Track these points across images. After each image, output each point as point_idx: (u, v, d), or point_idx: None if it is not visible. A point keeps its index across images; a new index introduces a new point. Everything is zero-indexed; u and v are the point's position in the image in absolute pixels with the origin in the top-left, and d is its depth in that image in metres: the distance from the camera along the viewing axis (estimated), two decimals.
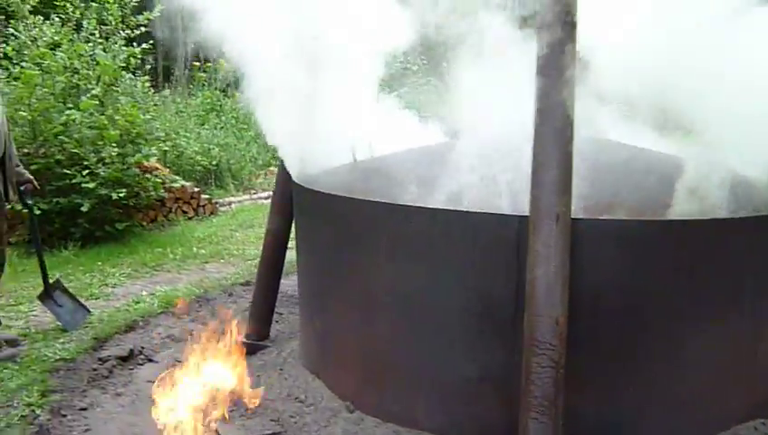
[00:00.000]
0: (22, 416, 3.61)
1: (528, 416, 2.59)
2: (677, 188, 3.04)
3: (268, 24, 3.91)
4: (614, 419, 2.92)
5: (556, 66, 2.71)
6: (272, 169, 13.60)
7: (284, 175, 4.49)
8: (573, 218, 2.70)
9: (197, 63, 13.98)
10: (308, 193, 3.64)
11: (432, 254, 3.02)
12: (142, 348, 4.63)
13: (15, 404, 3.75)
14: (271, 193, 12.32)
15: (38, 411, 3.66)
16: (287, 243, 4.69)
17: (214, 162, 11.37)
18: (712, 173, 3.06)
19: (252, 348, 4.60)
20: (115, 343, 4.71)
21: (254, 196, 11.54)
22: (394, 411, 3.18)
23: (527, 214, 2.80)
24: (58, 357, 4.35)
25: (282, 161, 4.48)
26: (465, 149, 3.66)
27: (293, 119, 3.94)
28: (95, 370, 4.27)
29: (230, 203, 10.65)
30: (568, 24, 2.71)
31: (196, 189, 9.31)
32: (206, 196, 9.62)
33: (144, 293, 5.86)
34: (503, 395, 2.96)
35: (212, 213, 9.42)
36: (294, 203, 4.10)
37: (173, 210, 8.92)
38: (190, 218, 9.05)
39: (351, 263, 3.32)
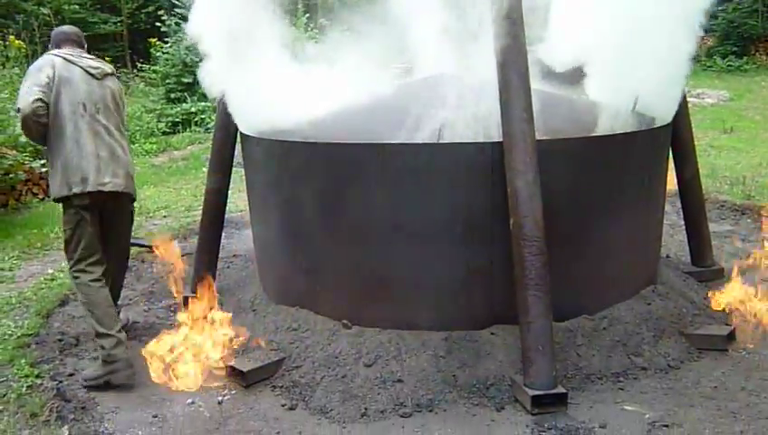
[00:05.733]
0: (28, 386, 3.69)
1: (527, 293, 3.33)
2: (595, 116, 3.93)
3: None
4: (569, 288, 3.75)
5: (515, 17, 3.44)
6: None
7: (223, 135, 4.79)
8: (537, 140, 3.46)
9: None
10: (290, 145, 4.01)
11: (421, 181, 3.62)
12: None
13: (11, 378, 3.80)
14: None
15: (39, 381, 3.76)
16: (227, 199, 5.00)
17: None
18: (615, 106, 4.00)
19: None
20: (60, 316, 4.75)
21: None
22: (393, 319, 3.77)
23: (497, 140, 3.52)
24: (21, 333, 4.35)
25: (220, 124, 4.75)
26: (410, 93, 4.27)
27: (247, 76, 4.24)
28: (61, 340, 4.35)
29: None
30: None
31: (44, 169, 8.85)
32: None
33: (51, 270, 5.79)
34: (485, 289, 3.70)
35: None
36: (253, 158, 4.41)
37: (23, 193, 8.47)
38: (42, 199, 8.63)
39: (345, 200, 3.81)
